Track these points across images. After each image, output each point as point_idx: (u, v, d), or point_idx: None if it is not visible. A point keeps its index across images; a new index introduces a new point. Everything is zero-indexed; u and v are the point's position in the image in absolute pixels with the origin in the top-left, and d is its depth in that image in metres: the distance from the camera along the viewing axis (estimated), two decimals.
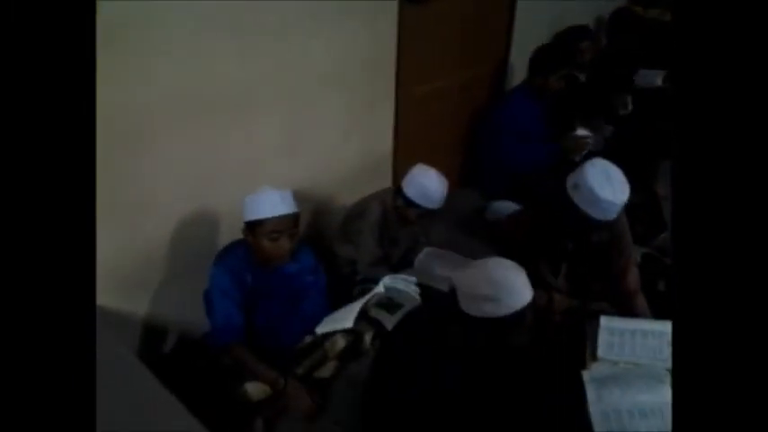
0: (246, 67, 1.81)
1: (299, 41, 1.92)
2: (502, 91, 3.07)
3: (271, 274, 1.72)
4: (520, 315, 1.31)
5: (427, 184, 2.00)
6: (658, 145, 3.29)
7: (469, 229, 2.64)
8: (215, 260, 1.70)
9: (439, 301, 1.75)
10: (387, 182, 2.56)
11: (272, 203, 1.61)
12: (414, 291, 1.80)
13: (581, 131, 2.62)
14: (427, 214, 2.07)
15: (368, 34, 2.16)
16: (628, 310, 1.79)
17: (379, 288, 1.78)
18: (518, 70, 3.10)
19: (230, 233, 1.79)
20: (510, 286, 1.31)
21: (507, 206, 2.69)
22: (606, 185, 1.59)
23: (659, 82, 3.44)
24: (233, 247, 1.73)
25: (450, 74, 2.68)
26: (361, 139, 2.36)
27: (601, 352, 1.56)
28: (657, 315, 1.83)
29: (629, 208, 1.76)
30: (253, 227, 1.62)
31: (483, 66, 2.91)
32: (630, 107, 3.14)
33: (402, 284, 1.81)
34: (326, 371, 1.62)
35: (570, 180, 1.65)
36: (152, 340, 1.93)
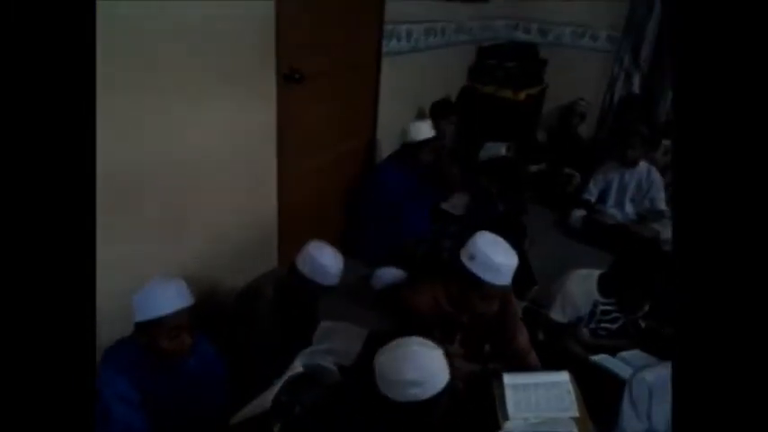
0: (129, 148, 1.68)
1: (180, 121, 1.85)
2: (373, 164, 3.22)
3: (170, 373, 1.56)
4: (442, 394, 1.33)
5: (323, 260, 1.99)
6: (518, 207, 3.69)
7: (357, 299, 2.67)
8: (102, 361, 1.49)
9: (350, 382, 1.73)
10: (273, 261, 2.50)
11: (169, 298, 1.49)
12: (330, 362, 1.76)
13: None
14: (324, 291, 2.06)
15: (248, 112, 2.15)
16: (522, 368, 1.92)
17: (296, 366, 1.71)
18: (384, 144, 3.29)
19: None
20: (434, 369, 1.33)
21: (392, 273, 2.79)
22: (499, 251, 1.74)
23: (503, 152, 3.88)
24: (122, 344, 1.55)
25: (327, 149, 2.76)
26: (246, 218, 2.30)
27: (511, 410, 1.64)
28: (543, 365, 2.00)
29: None
30: (147, 326, 1.47)
31: (355, 140, 3.04)
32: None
33: (319, 359, 1.75)
34: None
35: (464, 253, 1.77)
36: None
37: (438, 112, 3.45)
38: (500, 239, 1.80)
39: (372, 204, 2.91)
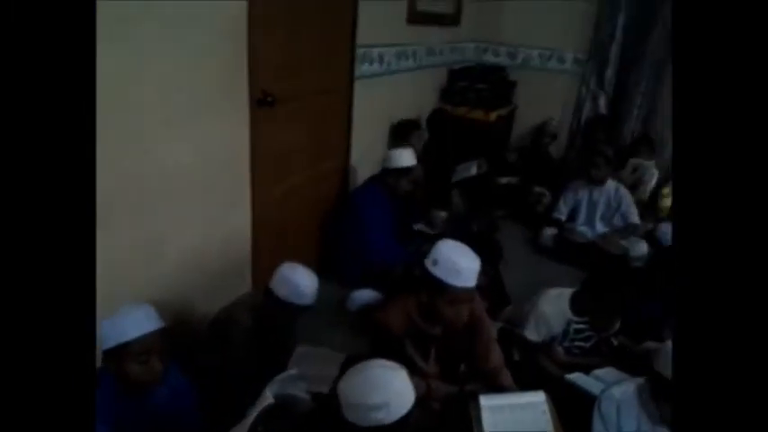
0: (100, 171, 1.65)
1: (152, 145, 1.84)
2: (347, 187, 3.23)
3: (140, 402, 1.52)
4: (408, 416, 1.30)
5: (297, 280, 1.99)
6: (490, 225, 3.74)
7: (334, 322, 2.65)
8: None
9: (323, 410, 1.71)
10: (246, 285, 2.47)
11: (137, 321, 1.47)
12: (302, 389, 1.73)
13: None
14: (300, 312, 2.04)
15: (221, 136, 2.14)
16: (496, 387, 1.93)
17: (267, 396, 1.68)
18: (359, 167, 3.31)
19: None
20: (398, 391, 1.30)
21: (367, 295, 2.79)
22: (461, 255, 1.78)
23: (474, 171, 3.93)
24: None
25: (301, 172, 2.76)
26: (219, 242, 2.27)
27: (487, 431, 1.64)
28: (518, 384, 2.01)
29: (478, 288, 1.92)
30: (116, 352, 1.44)
31: (329, 163, 3.05)
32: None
33: (291, 387, 1.73)
34: None
35: (428, 259, 1.79)
36: None
37: (402, 131, 3.48)
38: (462, 245, 1.84)
39: (349, 227, 2.92)
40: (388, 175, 2.95)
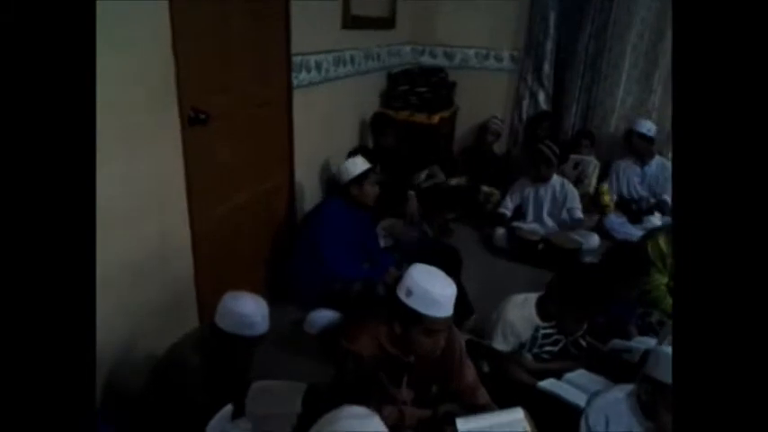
0: None
1: None
2: (293, 201, 3.07)
3: None
4: None
5: (244, 310, 1.81)
6: (443, 229, 3.67)
7: (292, 347, 2.49)
8: None
9: None
10: (192, 320, 2.27)
11: None
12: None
13: None
14: (254, 344, 1.87)
15: (153, 159, 1.95)
16: (472, 405, 1.84)
17: None
18: (304, 179, 3.15)
19: None
20: None
21: (326, 315, 2.64)
22: (436, 282, 1.64)
23: (423, 177, 3.85)
24: None
25: (243, 191, 2.58)
26: (158, 274, 2.07)
27: None
28: (491, 396, 1.92)
29: None
30: None
31: (273, 179, 2.88)
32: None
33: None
34: None
35: (401, 289, 1.66)
36: None
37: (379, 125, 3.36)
38: (435, 269, 1.72)
39: (306, 243, 2.76)
40: (350, 186, 2.83)
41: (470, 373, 1.91)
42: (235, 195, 2.52)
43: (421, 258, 1.84)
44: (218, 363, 1.84)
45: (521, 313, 2.15)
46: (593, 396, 1.72)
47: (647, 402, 1.53)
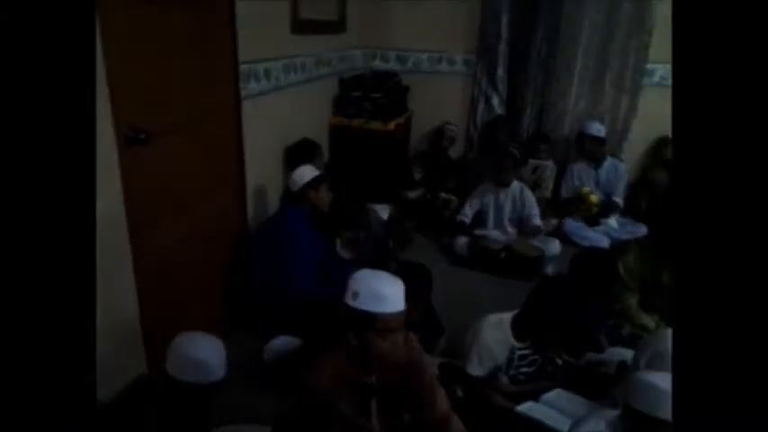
0: None
1: None
2: (245, 220, 2.88)
3: None
4: None
5: (198, 356, 1.63)
6: (403, 238, 3.55)
7: (251, 381, 2.29)
8: None
9: None
10: (140, 365, 2.05)
11: None
12: None
13: None
14: (212, 389, 1.69)
15: None
16: None
17: None
18: (256, 195, 2.96)
19: None
20: None
21: (285, 342, 2.47)
22: (381, 279, 1.59)
23: (386, 216, 3.70)
24: None
25: (190, 212, 2.37)
26: (101, 316, 1.83)
27: None
28: (466, 423, 1.81)
29: (410, 324, 1.75)
30: None
31: (223, 196, 2.69)
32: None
33: None
34: None
35: (347, 296, 1.58)
36: None
37: (298, 156, 3.18)
38: (379, 271, 1.66)
39: (266, 263, 2.58)
40: (306, 191, 2.68)
41: (443, 403, 1.80)
42: (181, 218, 2.31)
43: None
44: (172, 413, 1.65)
45: (497, 336, 2.05)
46: (573, 427, 1.63)
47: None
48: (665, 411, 1.34)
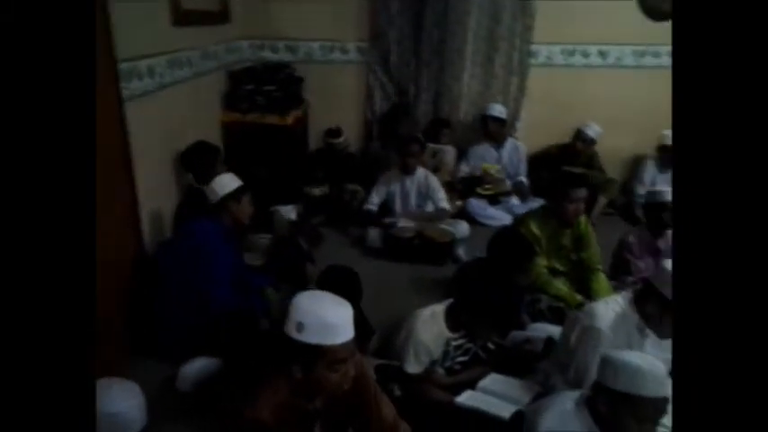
0: None
1: None
2: (141, 237, 2.61)
3: None
4: None
5: (113, 408, 1.45)
6: (313, 235, 3.41)
7: (167, 416, 2.08)
8: None
9: None
10: None
11: None
12: None
13: None
14: None
15: None
16: None
17: None
18: (149, 205, 2.69)
19: None
20: None
21: (201, 365, 2.27)
22: (328, 306, 1.43)
23: (293, 215, 3.53)
24: None
25: None
26: None
27: None
28: (407, 420, 1.77)
29: None
30: None
31: (111, 213, 2.39)
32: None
33: None
34: None
35: (290, 325, 1.42)
36: None
37: (196, 162, 2.94)
38: (320, 293, 1.53)
39: (177, 281, 2.36)
40: (227, 203, 2.47)
41: (389, 410, 1.72)
42: None
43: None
44: None
45: (431, 330, 2.02)
46: (534, 413, 1.63)
47: (608, 414, 1.47)
48: (642, 388, 1.39)
